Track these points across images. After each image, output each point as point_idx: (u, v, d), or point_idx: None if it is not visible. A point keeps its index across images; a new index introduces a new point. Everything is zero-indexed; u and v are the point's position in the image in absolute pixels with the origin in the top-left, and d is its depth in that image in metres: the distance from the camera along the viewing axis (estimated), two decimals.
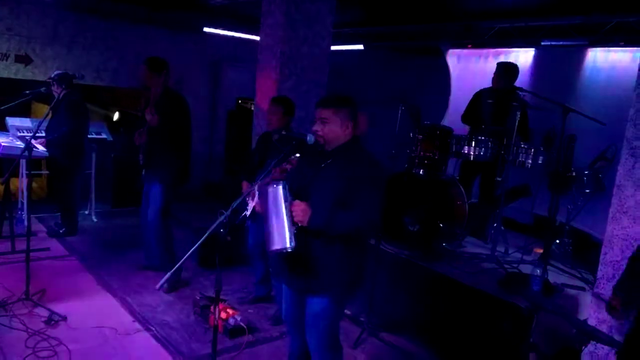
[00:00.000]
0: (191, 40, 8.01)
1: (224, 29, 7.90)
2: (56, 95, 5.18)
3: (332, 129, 2.57)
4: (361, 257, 2.72)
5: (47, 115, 4.39)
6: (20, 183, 5.98)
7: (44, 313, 3.79)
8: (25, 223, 4.25)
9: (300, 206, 2.45)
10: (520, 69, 5.18)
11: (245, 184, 4.10)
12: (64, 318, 3.78)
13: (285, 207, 2.43)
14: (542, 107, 4.44)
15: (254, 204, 3.68)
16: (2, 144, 5.16)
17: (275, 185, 2.46)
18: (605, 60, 5.44)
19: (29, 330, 3.57)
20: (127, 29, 7.43)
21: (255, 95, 5.81)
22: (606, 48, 5.45)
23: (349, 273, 2.63)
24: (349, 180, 2.51)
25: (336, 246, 2.55)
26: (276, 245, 2.45)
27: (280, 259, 2.70)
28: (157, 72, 4.38)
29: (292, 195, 2.47)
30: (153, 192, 4.50)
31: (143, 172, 4.62)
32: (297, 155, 2.80)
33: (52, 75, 5.34)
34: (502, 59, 5.59)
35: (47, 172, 6.65)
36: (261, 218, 2.65)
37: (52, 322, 3.71)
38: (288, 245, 2.42)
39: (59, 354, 3.34)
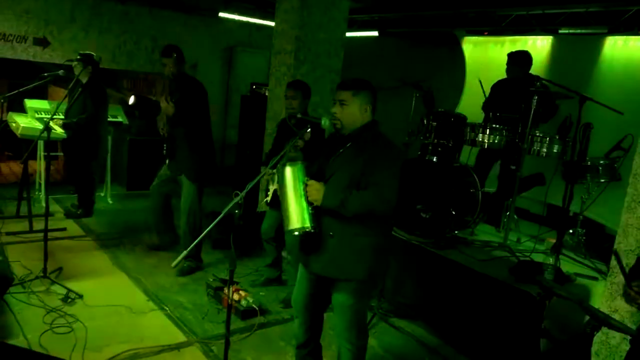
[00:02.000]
0: (206, 24, 8.02)
1: (239, 14, 7.89)
2: (80, 77, 5.21)
3: (350, 111, 2.59)
4: (382, 241, 2.69)
5: (65, 97, 4.44)
6: (38, 165, 6.07)
7: (60, 291, 3.87)
8: (43, 203, 4.33)
9: (314, 185, 2.48)
10: (537, 57, 5.12)
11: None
12: (80, 296, 3.86)
13: (302, 187, 2.45)
14: (558, 95, 4.40)
15: (274, 187, 3.71)
16: (22, 124, 5.23)
17: (292, 166, 2.48)
18: (623, 48, 5.35)
19: (47, 307, 3.66)
20: (142, 13, 7.46)
21: (269, 81, 5.82)
22: (625, 36, 5.36)
23: (368, 257, 2.62)
24: (365, 161, 2.52)
25: (354, 229, 2.55)
26: (295, 225, 2.47)
27: (301, 241, 2.71)
28: (169, 58, 4.36)
29: (308, 176, 2.49)
30: (184, 187, 4.51)
31: (167, 162, 4.60)
32: (309, 130, 2.81)
33: (81, 54, 5.32)
34: (518, 46, 5.53)
35: (63, 154, 6.73)
36: (278, 202, 2.68)
37: (69, 299, 3.79)
38: (307, 225, 2.44)
39: (75, 331, 3.41)
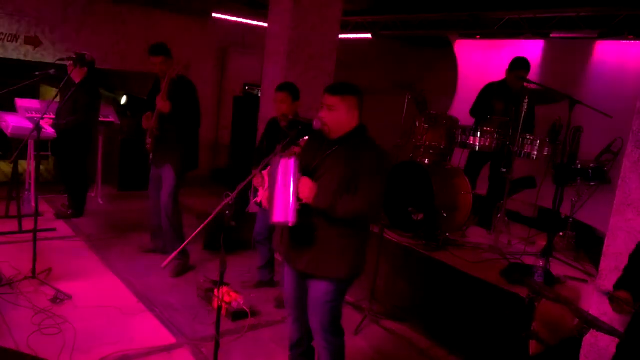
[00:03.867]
0: (199, 25, 8.00)
1: (232, 14, 7.89)
2: (73, 76, 5.17)
3: (337, 116, 2.59)
4: (363, 243, 2.74)
5: (55, 96, 4.39)
6: (27, 165, 6.02)
7: (49, 292, 3.83)
8: (33, 203, 4.29)
9: (307, 183, 2.49)
10: (528, 61, 5.15)
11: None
12: (70, 297, 3.82)
13: (293, 182, 2.46)
14: (549, 98, 4.43)
15: (265, 192, 3.71)
16: (12, 124, 5.19)
17: (287, 159, 2.48)
18: (613, 53, 5.41)
19: (35, 308, 3.62)
20: (135, 13, 7.44)
21: (262, 82, 5.82)
22: (615, 41, 5.41)
23: (350, 257, 2.66)
24: (353, 166, 2.53)
25: (339, 230, 2.58)
26: (278, 218, 2.48)
27: (284, 238, 2.74)
28: (167, 56, 4.35)
29: (301, 172, 2.50)
30: (165, 176, 4.50)
31: (151, 156, 4.61)
32: (306, 137, 2.82)
33: (76, 54, 5.26)
34: (510, 49, 5.56)
35: (53, 154, 6.67)
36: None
37: (58, 300, 3.76)
38: (290, 219, 2.45)
39: (64, 332, 3.38)
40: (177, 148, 4.44)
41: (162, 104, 4.22)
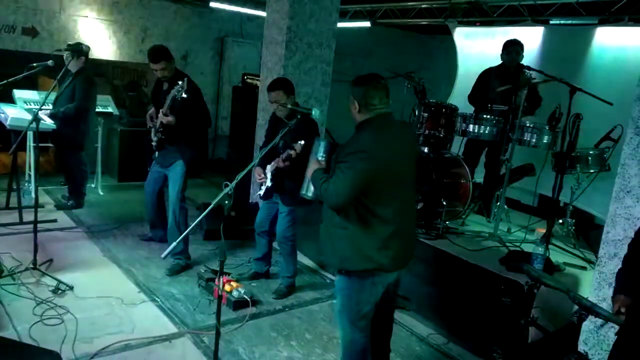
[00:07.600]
0: (197, 15, 7.97)
1: (230, 3, 7.84)
2: (70, 66, 5.16)
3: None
4: (361, 238, 2.56)
5: (53, 87, 4.38)
6: (27, 156, 6.02)
7: (51, 282, 3.85)
8: (33, 195, 4.30)
9: (315, 165, 2.70)
10: (528, 48, 5.13)
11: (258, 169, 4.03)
12: (71, 287, 3.84)
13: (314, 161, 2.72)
14: (549, 85, 4.42)
15: (268, 183, 3.88)
16: (10, 115, 5.18)
17: (316, 140, 2.79)
18: (613, 39, 5.37)
19: (37, 298, 3.64)
20: (132, 3, 7.39)
21: (261, 72, 5.80)
22: (615, 27, 5.38)
23: (342, 249, 2.60)
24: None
25: (335, 220, 2.60)
26: (302, 190, 2.82)
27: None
28: (168, 60, 4.20)
29: (326, 155, 2.70)
30: (174, 174, 4.38)
31: (156, 154, 4.45)
32: (302, 142, 3.24)
33: (76, 46, 5.20)
34: (510, 37, 5.52)
35: (53, 145, 6.67)
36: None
37: (59, 291, 3.78)
38: (307, 193, 2.78)
39: (65, 322, 3.40)
40: (187, 148, 4.32)
41: (167, 120, 4.09)
